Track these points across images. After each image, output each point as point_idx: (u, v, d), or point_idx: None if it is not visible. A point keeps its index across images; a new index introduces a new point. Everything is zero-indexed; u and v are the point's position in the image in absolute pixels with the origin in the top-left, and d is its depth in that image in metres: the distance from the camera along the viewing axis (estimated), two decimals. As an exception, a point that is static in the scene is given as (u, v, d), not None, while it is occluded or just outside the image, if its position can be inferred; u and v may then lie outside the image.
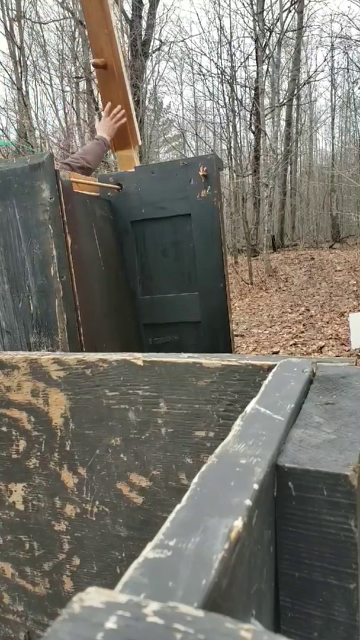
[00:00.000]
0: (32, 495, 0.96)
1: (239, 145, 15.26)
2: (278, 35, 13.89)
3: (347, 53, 15.94)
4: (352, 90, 18.15)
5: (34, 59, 13.77)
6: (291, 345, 6.02)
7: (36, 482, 0.95)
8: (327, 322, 6.79)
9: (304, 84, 16.20)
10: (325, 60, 15.99)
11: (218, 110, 15.67)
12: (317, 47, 21.17)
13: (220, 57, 14.87)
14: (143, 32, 11.39)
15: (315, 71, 16.09)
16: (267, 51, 13.25)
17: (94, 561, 0.91)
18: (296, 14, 14.91)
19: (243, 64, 14.72)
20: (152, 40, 12.20)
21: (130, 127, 2.25)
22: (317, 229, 18.83)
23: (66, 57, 13.53)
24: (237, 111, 14.82)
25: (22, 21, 13.15)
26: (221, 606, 0.27)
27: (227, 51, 14.82)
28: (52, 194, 1.43)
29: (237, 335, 6.74)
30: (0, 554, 1.02)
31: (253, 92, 14.18)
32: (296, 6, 14.52)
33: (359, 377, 0.60)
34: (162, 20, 12.60)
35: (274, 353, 5.73)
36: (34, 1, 13.46)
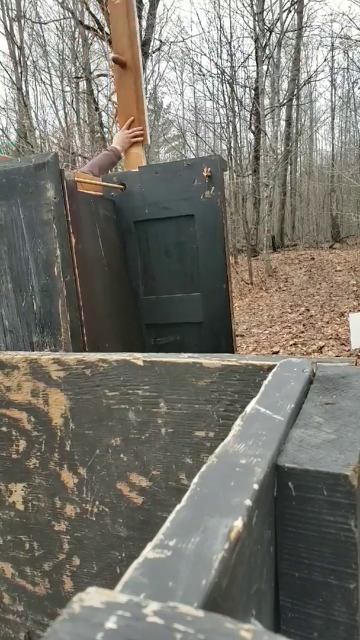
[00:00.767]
0: (32, 495, 0.96)
1: (239, 145, 15.27)
2: (278, 36, 13.89)
3: (347, 53, 15.97)
4: (352, 90, 18.16)
5: (34, 59, 13.78)
6: (291, 345, 6.02)
7: (36, 482, 0.95)
8: (327, 322, 6.79)
9: (304, 84, 16.20)
10: (325, 60, 16.00)
11: (218, 110, 15.70)
12: (317, 47, 21.20)
13: (220, 57, 14.90)
14: (143, 32, 11.38)
15: (315, 71, 16.13)
16: (267, 51, 13.26)
17: (94, 561, 0.91)
18: (296, 14, 14.91)
19: (243, 64, 14.74)
20: (152, 40, 12.20)
21: (142, 126, 2.31)
22: (317, 229, 18.82)
23: (66, 57, 13.53)
24: (237, 111, 14.83)
25: (22, 21, 13.15)
26: (221, 606, 0.27)
27: (227, 51, 14.87)
28: (57, 194, 1.43)
29: (237, 336, 6.73)
30: (0, 554, 1.02)
31: (253, 92, 14.19)
32: (296, 6, 14.52)
33: (359, 377, 0.60)
34: (162, 20, 12.61)
35: (274, 353, 5.73)
36: (34, 1, 13.46)
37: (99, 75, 13.56)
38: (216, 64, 14.42)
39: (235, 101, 14.48)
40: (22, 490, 0.97)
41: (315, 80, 17.00)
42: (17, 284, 1.51)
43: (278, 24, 14.12)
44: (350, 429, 0.47)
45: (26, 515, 0.97)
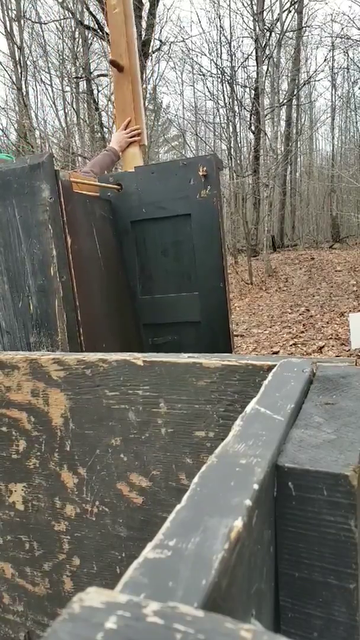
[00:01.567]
0: (32, 495, 0.96)
1: (239, 145, 15.26)
2: (278, 36, 13.89)
3: (347, 53, 15.96)
4: (352, 90, 18.15)
5: (34, 59, 13.78)
6: (291, 345, 6.02)
7: (36, 482, 0.95)
8: (327, 322, 6.80)
9: (304, 84, 16.20)
10: (325, 60, 15.96)
11: (218, 110, 15.68)
12: (317, 47, 21.17)
13: (220, 57, 14.89)
14: (143, 32, 11.38)
15: (315, 71, 16.11)
16: (267, 51, 13.25)
17: (94, 561, 0.91)
18: (296, 14, 14.91)
19: (243, 64, 14.74)
20: (152, 40, 12.20)
21: (139, 127, 2.33)
22: (317, 229, 18.82)
23: (66, 57, 13.53)
24: (237, 111, 14.83)
25: (22, 21, 13.15)
26: (221, 606, 0.27)
27: (227, 51, 14.87)
28: (52, 194, 1.43)
29: (237, 335, 6.75)
30: (0, 554, 1.02)
31: (253, 92, 14.19)
32: (296, 6, 14.52)
33: (359, 377, 0.60)
34: (162, 20, 12.60)
35: (274, 353, 5.73)
36: (34, 1, 13.47)
37: (99, 75, 13.58)
38: (216, 64, 14.43)
39: (235, 101, 14.48)
40: (22, 490, 0.97)
41: (315, 81, 17.02)
42: (13, 285, 1.51)
43: (278, 24, 14.12)
44: (350, 429, 0.47)
45: (26, 515, 0.97)
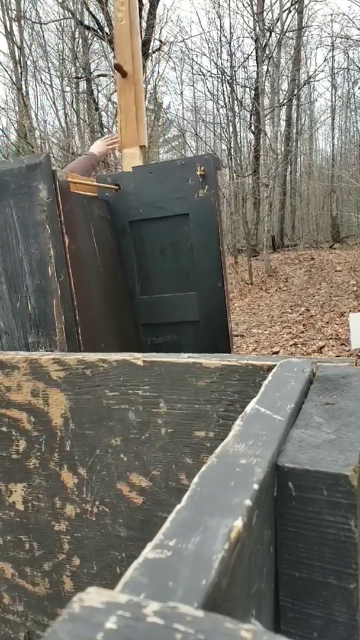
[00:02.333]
0: (32, 495, 0.96)
1: (239, 145, 15.25)
2: (278, 36, 13.89)
3: (347, 53, 15.95)
4: (352, 90, 18.15)
5: (34, 59, 13.78)
6: (291, 345, 6.02)
7: (36, 482, 0.95)
8: (327, 322, 6.79)
9: (304, 84, 16.19)
10: (325, 60, 15.97)
11: (218, 110, 15.69)
12: (317, 47, 21.16)
13: (220, 57, 14.88)
14: (143, 32, 11.38)
15: (315, 71, 16.11)
16: (267, 51, 13.25)
17: (94, 561, 0.91)
18: (296, 14, 14.91)
19: (243, 64, 14.73)
20: (152, 41, 12.19)
21: (139, 127, 2.34)
22: (317, 229, 18.81)
23: (66, 57, 13.53)
24: (237, 111, 14.82)
25: (22, 21, 13.15)
26: (221, 606, 0.27)
27: (227, 51, 14.84)
28: (50, 194, 1.43)
29: (237, 335, 6.75)
30: (0, 554, 1.02)
31: (253, 92, 14.18)
32: (296, 6, 14.51)
33: (359, 377, 0.60)
34: (162, 20, 12.57)
35: (274, 353, 5.73)
36: (34, 1, 13.47)
37: (99, 76, 13.58)
38: (216, 64, 14.43)
39: (235, 101, 14.48)
40: (22, 490, 0.97)
41: (315, 81, 17.01)
42: (11, 285, 1.51)
43: (278, 24, 14.12)
44: (350, 429, 0.47)
45: (26, 515, 0.97)
